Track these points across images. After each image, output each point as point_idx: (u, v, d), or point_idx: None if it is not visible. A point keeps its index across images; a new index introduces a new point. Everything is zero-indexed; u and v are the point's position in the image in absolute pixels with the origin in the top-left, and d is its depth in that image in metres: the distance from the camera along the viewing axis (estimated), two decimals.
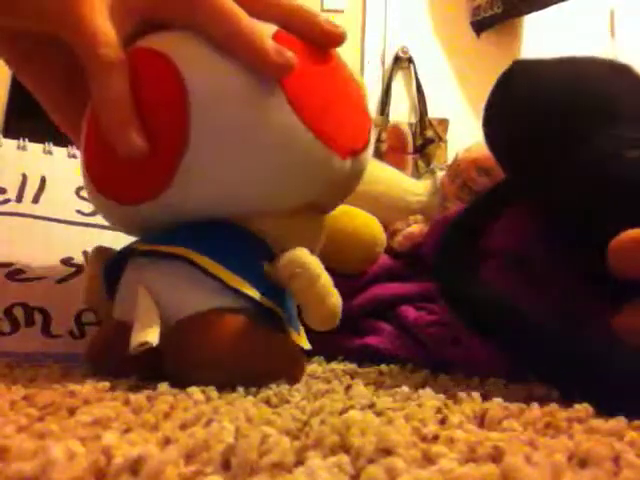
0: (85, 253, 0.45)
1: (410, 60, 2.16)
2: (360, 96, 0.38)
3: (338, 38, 0.36)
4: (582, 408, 0.24)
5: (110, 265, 0.35)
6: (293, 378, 0.32)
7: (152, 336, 0.28)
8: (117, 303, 0.34)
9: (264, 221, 0.34)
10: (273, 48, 0.32)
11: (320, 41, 0.35)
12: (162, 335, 0.29)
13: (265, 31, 0.33)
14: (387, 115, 2.12)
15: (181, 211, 0.33)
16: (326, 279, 0.33)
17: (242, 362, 0.30)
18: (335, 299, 0.33)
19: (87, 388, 0.27)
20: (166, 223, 0.34)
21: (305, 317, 0.34)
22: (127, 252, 0.34)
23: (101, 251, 0.38)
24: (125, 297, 0.34)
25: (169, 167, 0.32)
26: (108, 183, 0.35)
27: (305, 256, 0.32)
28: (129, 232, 0.37)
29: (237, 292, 0.31)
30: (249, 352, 0.30)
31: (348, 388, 0.32)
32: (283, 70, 0.32)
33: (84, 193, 0.47)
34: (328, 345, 0.47)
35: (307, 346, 0.35)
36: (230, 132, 0.32)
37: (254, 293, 0.31)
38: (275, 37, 0.33)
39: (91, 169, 0.36)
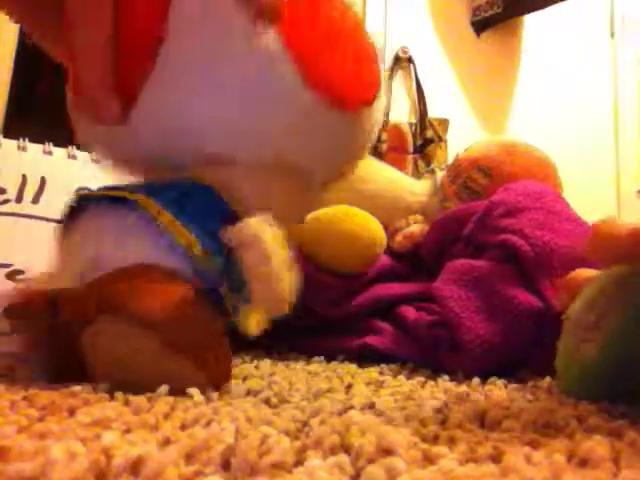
0: None
1: (410, 60, 2.16)
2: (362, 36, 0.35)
3: None
4: (582, 407, 0.24)
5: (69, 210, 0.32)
6: (211, 377, 0.28)
7: None
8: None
9: (235, 173, 0.32)
10: None
11: None
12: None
13: None
14: (387, 115, 2.11)
15: (151, 132, 0.32)
16: (282, 259, 0.29)
17: (169, 326, 0.26)
18: (286, 284, 0.29)
19: (87, 388, 0.27)
20: (136, 153, 0.32)
21: (252, 298, 0.30)
22: (86, 197, 0.32)
23: None
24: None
25: (146, 57, 0.30)
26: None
27: (262, 227, 0.29)
28: (105, 159, 0.35)
29: (184, 254, 0.28)
30: (178, 317, 0.27)
31: (348, 388, 0.32)
32: (268, 12, 0.29)
33: None
34: (328, 345, 0.47)
35: (252, 332, 0.30)
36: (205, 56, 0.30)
37: (200, 252, 0.28)
38: None
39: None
